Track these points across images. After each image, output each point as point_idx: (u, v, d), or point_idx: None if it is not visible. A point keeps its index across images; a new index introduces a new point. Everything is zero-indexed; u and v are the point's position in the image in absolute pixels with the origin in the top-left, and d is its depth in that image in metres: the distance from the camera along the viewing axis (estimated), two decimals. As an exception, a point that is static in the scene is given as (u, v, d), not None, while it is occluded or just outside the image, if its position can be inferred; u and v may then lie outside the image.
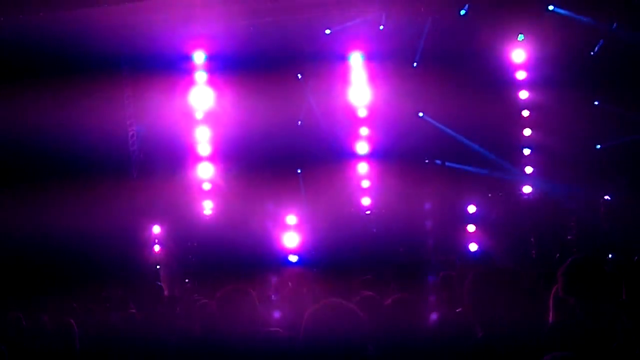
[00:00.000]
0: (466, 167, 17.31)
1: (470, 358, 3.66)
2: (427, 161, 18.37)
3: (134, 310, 7.77)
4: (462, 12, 16.72)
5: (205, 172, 17.65)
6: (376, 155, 18.09)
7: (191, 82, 17.63)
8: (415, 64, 17.74)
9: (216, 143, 17.72)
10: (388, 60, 17.53)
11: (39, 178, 14.63)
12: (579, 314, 3.70)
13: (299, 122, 18.15)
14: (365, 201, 17.99)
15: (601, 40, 16.21)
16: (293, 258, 17.17)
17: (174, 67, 17.16)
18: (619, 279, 5.36)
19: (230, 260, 16.32)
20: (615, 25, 15.93)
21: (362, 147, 18.16)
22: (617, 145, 16.39)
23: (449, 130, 17.59)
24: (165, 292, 10.56)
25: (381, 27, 17.24)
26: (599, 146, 16.74)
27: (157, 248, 16.05)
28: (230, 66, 17.29)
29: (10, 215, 14.07)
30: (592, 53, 16.52)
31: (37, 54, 14.47)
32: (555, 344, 3.66)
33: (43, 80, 14.55)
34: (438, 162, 17.73)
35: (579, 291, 3.82)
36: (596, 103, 16.80)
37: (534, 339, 3.71)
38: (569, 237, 16.12)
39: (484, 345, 3.54)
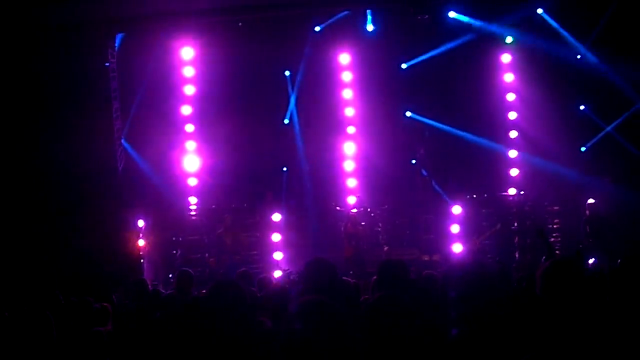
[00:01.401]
0: (447, 199, 17.42)
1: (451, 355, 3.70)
2: (414, 161, 18.43)
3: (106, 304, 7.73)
4: (451, 13, 16.78)
5: (191, 167, 17.64)
6: (363, 155, 18.16)
7: (180, 78, 17.60)
8: (404, 66, 17.78)
9: (203, 138, 17.71)
10: (376, 61, 17.59)
11: (22, 171, 14.52)
12: (556, 315, 3.72)
13: (286, 121, 18.16)
14: (351, 200, 18.03)
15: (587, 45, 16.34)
16: (278, 255, 17.17)
17: (162, 63, 17.12)
18: (601, 282, 5.41)
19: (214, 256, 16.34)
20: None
21: (349, 147, 18.23)
22: (600, 147, 16.49)
23: (437, 124, 17.60)
24: (149, 287, 10.53)
25: (371, 28, 17.28)
26: (583, 148, 16.87)
27: (141, 242, 16.00)
28: (218, 62, 17.27)
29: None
30: (578, 56, 16.64)
31: (20, 44, 14.36)
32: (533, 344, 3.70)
33: (25, 73, 14.45)
34: (424, 173, 17.80)
35: (556, 293, 3.85)
36: (582, 107, 16.92)
37: (513, 337, 3.75)
38: (552, 239, 16.19)
39: (463, 343, 3.58)
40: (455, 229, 16.77)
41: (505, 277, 7.66)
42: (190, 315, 4.49)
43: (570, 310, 3.70)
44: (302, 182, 18.41)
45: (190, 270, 9.75)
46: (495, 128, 17.61)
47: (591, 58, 16.28)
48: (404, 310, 3.93)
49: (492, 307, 4.06)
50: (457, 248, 16.07)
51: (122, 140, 16.33)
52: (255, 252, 17.12)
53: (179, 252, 16.70)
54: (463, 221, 16.43)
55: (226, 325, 4.20)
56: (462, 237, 16.06)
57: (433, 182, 17.74)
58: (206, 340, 4.12)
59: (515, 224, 16.96)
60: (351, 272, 14.71)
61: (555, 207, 16.97)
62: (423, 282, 7.39)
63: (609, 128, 16.58)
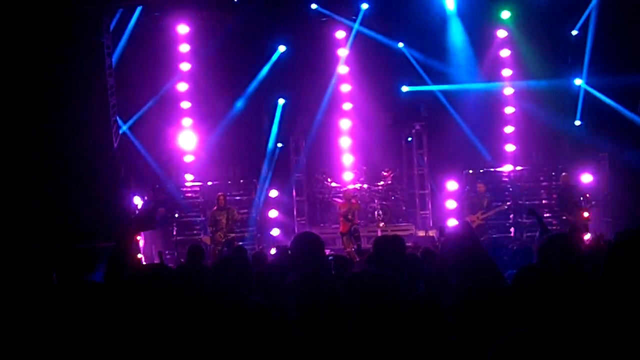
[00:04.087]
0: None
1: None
2: (410, 139, 18.46)
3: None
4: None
5: (187, 144, 17.61)
6: (359, 131, 18.18)
7: (175, 54, 17.51)
8: (400, 44, 17.72)
9: (199, 115, 17.67)
10: (372, 36, 17.56)
11: (16, 149, 14.43)
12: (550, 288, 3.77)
13: (281, 100, 18.12)
14: (348, 176, 18.07)
15: (582, 19, 16.19)
16: (275, 231, 17.26)
17: (158, 39, 17.04)
18: (595, 257, 5.44)
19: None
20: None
21: (345, 123, 18.25)
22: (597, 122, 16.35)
23: (434, 88, 17.61)
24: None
25: (365, 6, 17.18)
26: (578, 123, 16.79)
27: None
28: (213, 38, 17.20)
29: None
30: (572, 32, 16.52)
31: (14, 20, 14.21)
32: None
33: (19, 49, 14.31)
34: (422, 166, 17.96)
35: (553, 266, 3.93)
36: (578, 82, 16.85)
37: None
38: (546, 215, 16.26)
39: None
40: (451, 204, 16.83)
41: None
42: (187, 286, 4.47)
43: (566, 281, 3.76)
44: (298, 158, 18.44)
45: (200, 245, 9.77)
46: (491, 104, 17.60)
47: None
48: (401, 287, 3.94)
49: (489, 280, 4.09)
50: (453, 223, 16.08)
51: (118, 117, 16.23)
52: (251, 229, 17.13)
53: (175, 229, 16.71)
54: (466, 195, 16.45)
55: (224, 301, 4.21)
56: (462, 212, 16.06)
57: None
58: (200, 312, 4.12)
59: (510, 201, 16.95)
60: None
61: (554, 183, 16.95)
62: (419, 257, 7.41)
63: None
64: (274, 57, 17.78)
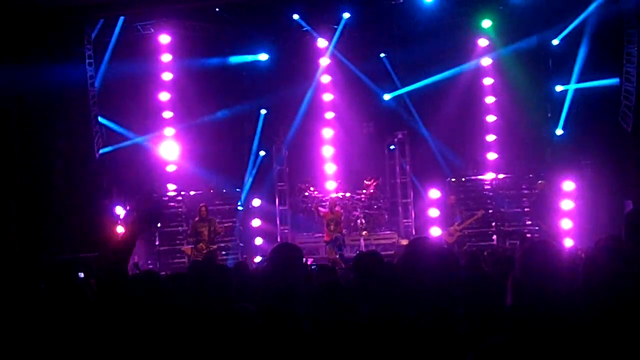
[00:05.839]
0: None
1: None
2: (392, 147, 18.50)
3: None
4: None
5: (169, 154, 17.52)
6: (341, 140, 18.23)
7: (157, 64, 17.45)
8: (382, 55, 17.82)
9: (181, 125, 17.60)
10: (354, 46, 17.66)
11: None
12: (533, 298, 3.79)
13: (263, 111, 18.11)
14: (331, 185, 18.08)
15: (566, 30, 16.28)
16: (258, 241, 17.27)
17: (140, 49, 16.98)
18: (575, 263, 5.48)
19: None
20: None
21: (327, 132, 18.29)
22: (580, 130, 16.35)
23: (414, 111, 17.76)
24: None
25: (347, 15, 17.21)
26: (560, 132, 16.83)
27: (120, 229, 15.90)
28: (195, 48, 17.21)
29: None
30: (553, 42, 16.61)
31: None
32: (510, 327, 3.75)
33: (2, 55, 14.23)
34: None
35: (533, 275, 3.93)
36: (560, 88, 16.89)
37: (491, 320, 3.80)
38: (527, 222, 16.37)
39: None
40: (433, 213, 16.86)
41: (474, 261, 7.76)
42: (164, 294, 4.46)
43: (544, 290, 3.77)
44: (281, 167, 18.44)
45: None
46: (473, 113, 17.70)
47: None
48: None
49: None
50: (436, 232, 16.11)
51: (100, 127, 16.17)
52: (233, 239, 17.08)
53: (157, 240, 16.65)
54: (442, 207, 16.48)
55: (205, 307, 4.22)
56: (442, 223, 16.10)
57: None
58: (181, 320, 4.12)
59: (482, 209, 16.98)
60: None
61: (535, 190, 17.02)
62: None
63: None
64: (254, 57, 17.78)
